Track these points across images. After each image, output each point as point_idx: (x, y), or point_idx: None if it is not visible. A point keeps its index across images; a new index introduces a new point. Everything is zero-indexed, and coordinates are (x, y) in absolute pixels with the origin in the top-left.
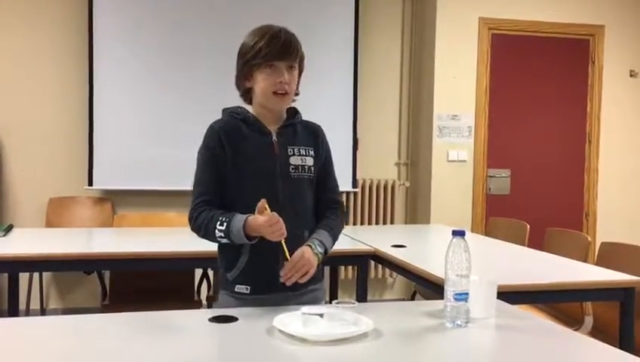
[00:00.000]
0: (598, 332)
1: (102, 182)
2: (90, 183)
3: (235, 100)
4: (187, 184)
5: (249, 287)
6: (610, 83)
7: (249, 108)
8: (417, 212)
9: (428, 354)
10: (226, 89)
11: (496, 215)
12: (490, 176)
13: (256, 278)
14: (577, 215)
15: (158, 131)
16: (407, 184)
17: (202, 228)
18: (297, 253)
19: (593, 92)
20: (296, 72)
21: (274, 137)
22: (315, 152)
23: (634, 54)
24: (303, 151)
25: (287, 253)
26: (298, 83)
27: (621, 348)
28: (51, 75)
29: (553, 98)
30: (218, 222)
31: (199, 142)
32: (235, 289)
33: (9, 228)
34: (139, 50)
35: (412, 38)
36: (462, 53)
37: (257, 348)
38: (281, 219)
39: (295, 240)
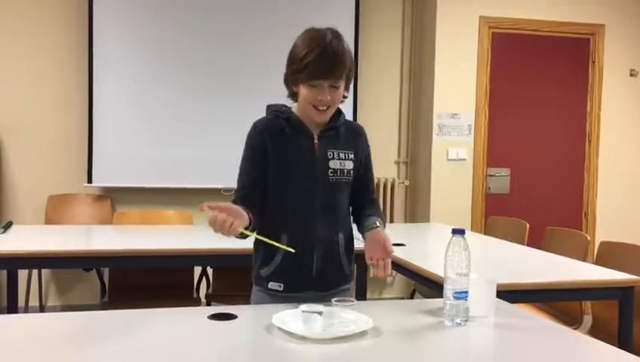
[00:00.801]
0: (597, 331)
1: (101, 180)
2: (90, 180)
3: (235, 100)
4: (187, 182)
5: (282, 285)
6: (611, 82)
7: (294, 106)
8: (417, 210)
9: (427, 352)
10: (225, 87)
11: (496, 214)
12: (490, 175)
13: (290, 276)
14: (577, 214)
15: (157, 129)
16: (407, 182)
17: None
18: (379, 239)
19: (593, 91)
20: (341, 88)
21: (315, 140)
22: (354, 155)
23: (634, 54)
24: (342, 155)
25: (281, 247)
26: (348, 86)
27: (620, 347)
28: (51, 73)
29: (553, 97)
30: None
31: (199, 140)
32: (269, 286)
33: (8, 225)
34: (138, 49)
35: (412, 36)
36: (462, 51)
37: (256, 345)
38: (222, 214)
39: (329, 243)
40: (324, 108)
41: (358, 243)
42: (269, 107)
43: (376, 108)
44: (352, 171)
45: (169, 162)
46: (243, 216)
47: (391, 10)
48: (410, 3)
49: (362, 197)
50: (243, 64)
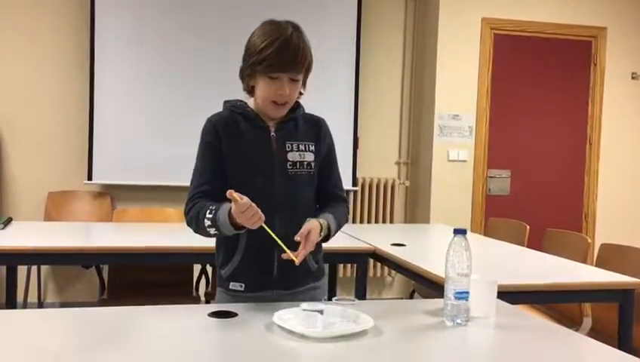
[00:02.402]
0: (596, 334)
1: (101, 177)
2: (90, 178)
3: (234, 96)
4: (186, 180)
5: (243, 285)
6: (612, 85)
7: (250, 101)
8: (417, 211)
9: (428, 352)
10: (225, 84)
11: (496, 215)
12: (491, 177)
13: (250, 276)
14: (577, 216)
15: (158, 126)
16: (407, 183)
17: (193, 221)
18: (305, 228)
19: (594, 94)
20: (299, 83)
21: (272, 132)
22: (315, 147)
23: (636, 57)
24: (302, 147)
25: (279, 241)
26: (305, 82)
27: (619, 349)
28: (52, 70)
29: (554, 99)
30: (207, 211)
31: (199, 137)
32: (230, 287)
33: (8, 221)
34: (139, 46)
35: (414, 37)
36: (464, 53)
37: (256, 343)
38: (253, 204)
39: (292, 239)
40: (282, 103)
41: (340, 242)
42: (225, 102)
43: (378, 109)
44: (312, 164)
45: (169, 160)
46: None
47: (393, 11)
48: (413, 4)
49: (328, 194)
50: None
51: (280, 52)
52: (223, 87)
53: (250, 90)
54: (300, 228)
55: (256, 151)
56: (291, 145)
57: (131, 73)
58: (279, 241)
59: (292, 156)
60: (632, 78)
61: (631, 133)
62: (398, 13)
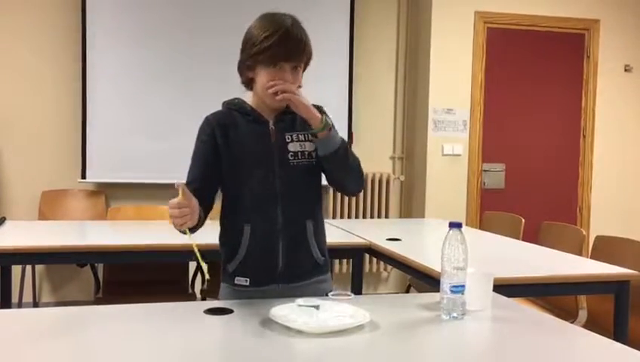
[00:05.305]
0: (592, 326)
1: (95, 175)
2: (84, 176)
3: (228, 92)
4: (181, 177)
5: (248, 279)
6: (605, 78)
7: (248, 96)
8: (412, 206)
9: (424, 346)
10: (220, 81)
11: (491, 209)
12: (485, 171)
13: (255, 270)
14: (572, 209)
15: (151, 124)
16: (402, 178)
17: None
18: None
19: (588, 86)
20: (300, 71)
21: (271, 125)
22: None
23: (629, 49)
24: (301, 137)
25: (199, 258)
26: (302, 74)
27: (615, 340)
28: (45, 68)
29: (548, 92)
30: None
31: (193, 135)
32: (235, 282)
33: (1, 221)
34: (132, 44)
35: (408, 31)
36: (457, 46)
37: (253, 339)
38: (186, 208)
39: (296, 230)
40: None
41: (336, 237)
42: (223, 103)
43: (372, 104)
44: (313, 153)
45: (163, 157)
46: (194, 217)
47: (386, 6)
48: None
49: None
50: (236, 59)
51: (282, 42)
52: (218, 83)
53: (249, 83)
54: (304, 219)
55: (255, 144)
56: (291, 136)
57: (124, 71)
58: (201, 262)
59: (293, 147)
60: (625, 70)
61: (624, 125)
62: (391, 7)
